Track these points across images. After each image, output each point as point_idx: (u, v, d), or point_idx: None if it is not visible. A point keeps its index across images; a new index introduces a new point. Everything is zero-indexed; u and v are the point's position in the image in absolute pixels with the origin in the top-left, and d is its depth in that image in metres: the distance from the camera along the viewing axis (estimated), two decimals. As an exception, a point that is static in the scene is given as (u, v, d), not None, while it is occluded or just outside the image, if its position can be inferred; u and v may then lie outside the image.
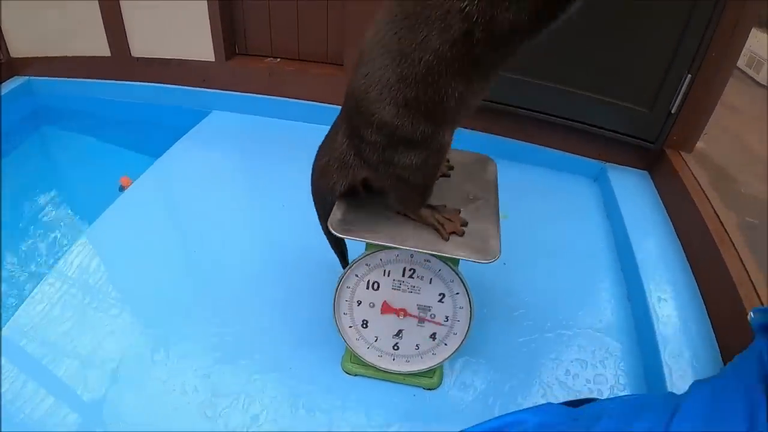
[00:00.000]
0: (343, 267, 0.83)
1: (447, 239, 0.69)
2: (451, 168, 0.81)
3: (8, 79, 1.89)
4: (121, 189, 1.61)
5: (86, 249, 1.18)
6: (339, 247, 0.83)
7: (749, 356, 0.60)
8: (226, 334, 0.97)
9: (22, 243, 1.42)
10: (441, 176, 0.79)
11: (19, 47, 1.87)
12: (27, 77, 1.90)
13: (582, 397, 0.91)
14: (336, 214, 0.72)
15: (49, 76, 1.90)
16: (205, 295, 1.06)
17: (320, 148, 0.75)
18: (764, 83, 3.24)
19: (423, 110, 0.60)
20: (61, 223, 1.52)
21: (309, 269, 1.10)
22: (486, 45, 0.55)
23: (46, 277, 1.09)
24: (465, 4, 0.52)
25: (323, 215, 0.77)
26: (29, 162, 1.80)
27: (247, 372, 0.91)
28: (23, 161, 1.77)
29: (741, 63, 3.41)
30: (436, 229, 0.70)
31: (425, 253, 0.70)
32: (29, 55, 1.88)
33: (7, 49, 1.86)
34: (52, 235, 1.47)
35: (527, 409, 0.60)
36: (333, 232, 0.69)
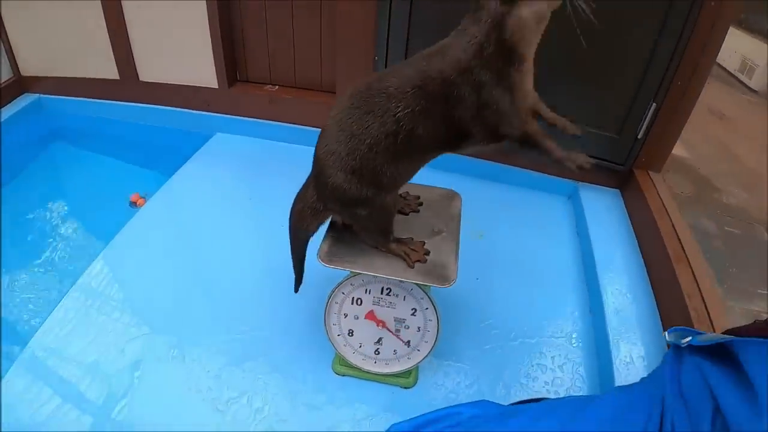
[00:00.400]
0: (297, 283, 0.98)
1: (412, 267, 0.83)
2: (421, 204, 0.94)
3: (18, 96, 1.97)
4: (132, 205, 1.70)
5: (105, 264, 1.29)
6: (299, 271, 0.97)
7: (658, 371, 0.70)
8: (234, 341, 1.11)
9: (37, 259, 1.49)
10: (411, 212, 0.93)
11: (29, 66, 1.95)
12: (37, 95, 1.98)
13: (539, 396, 1.04)
14: (323, 247, 0.86)
15: (58, 95, 1.98)
16: (214, 306, 1.19)
17: (297, 195, 0.89)
18: (756, 88, 3.31)
19: (366, 178, 0.76)
20: (76, 240, 1.59)
21: (303, 284, 1.23)
22: (407, 144, 0.73)
23: (69, 292, 1.20)
24: (398, 112, 0.71)
25: (295, 246, 0.92)
26: (40, 179, 1.87)
27: (252, 373, 1.04)
28: (34, 178, 1.85)
29: (733, 68, 3.48)
30: (403, 259, 0.84)
31: (394, 279, 0.84)
32: (39, 75, 1.96)
33: (17, 66, 1.94)
34: (69, 252, 1.54)
35: (464, 403, 0.72)
36: (320, 262, 0.84)
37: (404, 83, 0.72)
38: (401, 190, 0.94)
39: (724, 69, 3.51)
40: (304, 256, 0.93)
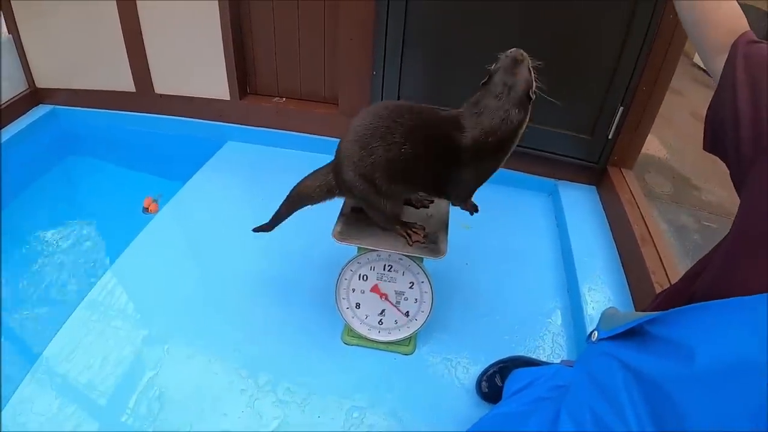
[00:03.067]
0: (266, 226, 1.12)
1: (411, 245, 0.99)
2: (432, 202, 1.11)
3: (33, 107, 2.03)
4: (144, 211, 1.80)
5: (120, 273, 1.36)
6: (275, 224, 1.11)
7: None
8: (257, 319, 1.25)
9: (55, 266, 1.55)
10: (421, 207, 1.09)
11: (44, 78, 2.03)
12: (52, 106, 2.06)
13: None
14: (336, 228, 1.02)
15: (73, 106, 2.05)
16: (235, 293, 1.33)
17: (312, 173, 1.03)
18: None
19: (370, 184, 0.91)
20: (90, 248, 1.64)
21: (313, 272, 1.38)
22: (401, 174, 0.91)
23: (83, 301, 1.26)
24: (403, 147, 0.88)
25: (288, 209, 1.07)
26: (55, 189, 1.93)
27: (269, 347, 1.19)
28: (49, 188, 1.91)
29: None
30: (405, 238, 1.00)
31: (396, 253, 1.00)
32: (55, 87, 2.04)
33: (32, 78, 2.02)
34: (83, 261, 1.59)
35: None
36: (334, 239, 0.99)
37: (419, 126, 0.88)
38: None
39: (709, 75, 3.70)
40: (289, 215, 1.08)
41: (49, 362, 1.12)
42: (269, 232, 1.12)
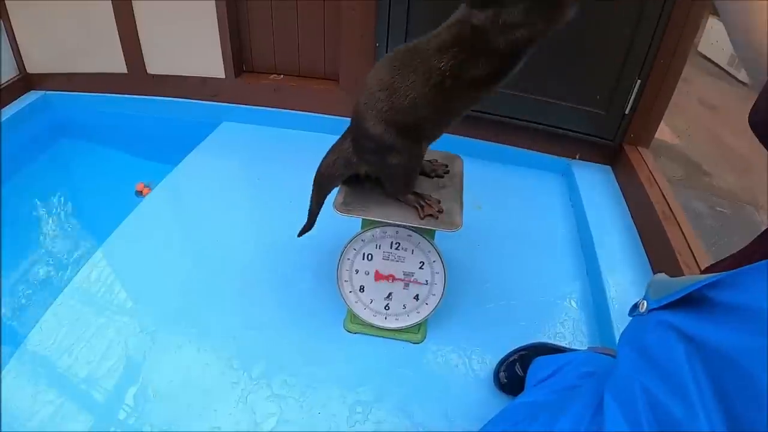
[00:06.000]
0: (300, 234, 1.05)
1: (423, 218, 0.89)
2: (447, 172, 1.01)
3: (24, 94, 1.97)
4: (138, 194, 1.73)
5: (107, 255, 1.28)
6: (313, 219, 1.03)
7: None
8: (253, 306, 1.15)
9: (47, 248, 1.52)
10: (436, 176, 0.99)
11: (35, 64, 1.97)
12: (43, 92, 2.00)
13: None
14: (338, 198, 0.92)
15: (65, 91, 1.99)
16: (229, 277, 1.23)
17: (331, 148, 0.95)
18: (746, 81, 3.40)
19: (403, 130, 0.83)
20: (80, 231, 1.60)
21: (313, 256, 1.27)
22: (450, 94, 0.80)
23: (69, 284, 1.18)
24: (441, 64, 0.77)
25: (318, 196, 0.99)
26: (46, 174, 1.87)
27: (264, 336, 1.09)
28: (40, 174, 1.86)
29: (722, 62, 3.58)
30: (416, 209, 0.90)
31: (406, 226, 0.90)
32: (46, 72, 1.98)
33: (23, 64, 1.95)
34: (75, 243, 1.54)
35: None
36: (336, 211, 0.89)
37: (444, 43, 0.78)
38: (427, 157, 1.00)
39: (715, 63, 3.62)
40: (323, 203, 0.99)
41: (30, 350, 1.04)
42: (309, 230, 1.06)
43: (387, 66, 0.82)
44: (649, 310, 0.56)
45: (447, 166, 1.02)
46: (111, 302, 1.16)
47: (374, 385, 1.00)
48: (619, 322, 1.10)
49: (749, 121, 0.56)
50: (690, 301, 0.51)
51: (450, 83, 0.79)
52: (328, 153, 0.95)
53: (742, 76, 3.38)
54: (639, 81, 1.52)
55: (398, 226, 0.92)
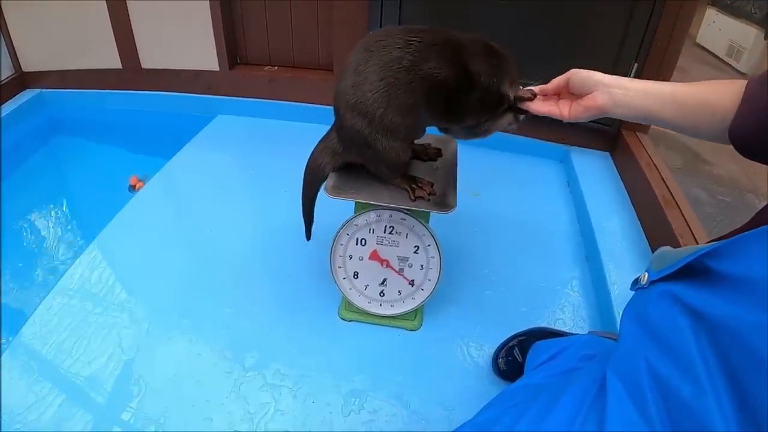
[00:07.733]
0: (307, 236, 1.00)
1: (414, 200, 0.86)
2: (440, 156, 0.98)
3: (20, 92, 1.98)
4: (131, 189, 1.71)
5: (101, 249, 1.26)
6: (309, 216, 0.99)
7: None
8: (246, 296, 1.13)
9: (40, 244, 1.50)
10: (428, 160, 0.97)
11: (30, 62, 1.97)
12: (39, 90, 2.00)
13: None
14: (329, 182, 0.90)
15: (60, 88, 2.00)
16: (222, 268, 1.21)
17: (321, 138, 0.92)
18: (744, 71, 3.38)
19: (374, 122, 0.79)
20: (74, 226, 1.60)
21: (306, 245, 1.22)
22: (413, 99, 0.78)
23: (61, 279, 1.16)
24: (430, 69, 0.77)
25: (308, 189, 0.95)
26: (41, 171, 1.87)
27: (257, 325, 1.07)
28: (35, 171, 1.86)
29: (721, 52, 3.55)
30: (407, 191, 0.88)
31: (398, 208, 0.88)
32: (41, 69, 1.98)
33: (18, 63, 1.95)
34: (68, 237, 1.54)
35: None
36: (327, 194, 0.87)
37: (429, 40, 0.76)
38: (420, 141, 0.97)
39: (713, 54, 3.59)
40: (315, 199, 0.96)
41: (23, 343, 1.02)
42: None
43: (359, 52, 0.79)
44: (651, 282, 0.55)
45: (440, 150, 1.00)
46: (104, 295, 1.14)
47: (370, 374, 0.98)
48: (620, 307, 1.08)
49: (728, 136, 0.58)
50: (691, 272, 0.50)
51: (409, 90, 0.77)
52: (317, 144, 0.93)
53: (741, 66, 3.35)
54: (636, 65, 1.50)
55: (390, 208, 0.90)
